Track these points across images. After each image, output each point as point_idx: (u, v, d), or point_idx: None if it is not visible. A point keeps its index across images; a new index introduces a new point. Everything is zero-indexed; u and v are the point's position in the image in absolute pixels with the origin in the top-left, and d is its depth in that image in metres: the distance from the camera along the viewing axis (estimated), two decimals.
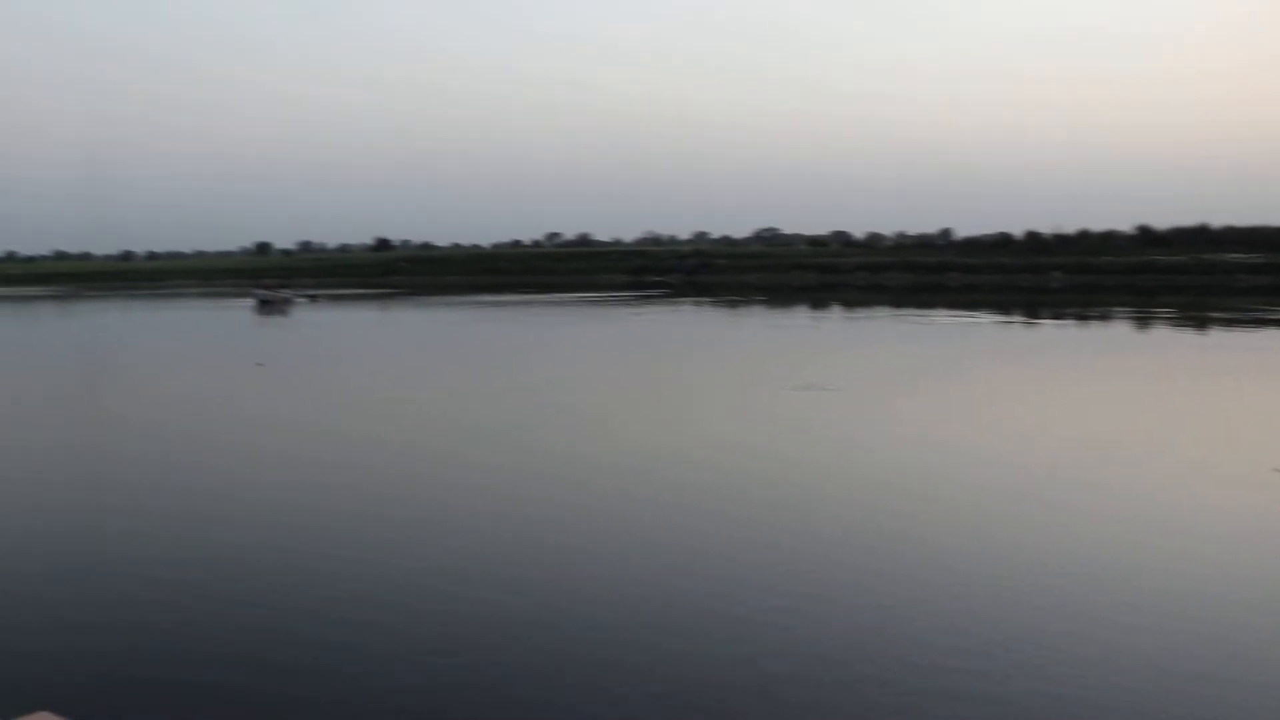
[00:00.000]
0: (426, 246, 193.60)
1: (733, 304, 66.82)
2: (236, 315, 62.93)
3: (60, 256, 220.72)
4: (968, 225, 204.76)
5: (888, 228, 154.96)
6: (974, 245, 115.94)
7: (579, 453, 17.02)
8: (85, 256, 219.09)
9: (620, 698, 7.45)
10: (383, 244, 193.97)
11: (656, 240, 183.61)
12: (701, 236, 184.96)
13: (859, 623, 8.93)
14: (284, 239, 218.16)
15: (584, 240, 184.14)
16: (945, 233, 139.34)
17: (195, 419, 21.42)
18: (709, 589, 9.76)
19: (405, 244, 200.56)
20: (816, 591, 9.72)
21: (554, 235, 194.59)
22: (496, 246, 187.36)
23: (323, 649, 8.40)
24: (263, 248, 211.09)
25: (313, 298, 78.57)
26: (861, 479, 14.84)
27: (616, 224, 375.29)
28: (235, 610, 9.35)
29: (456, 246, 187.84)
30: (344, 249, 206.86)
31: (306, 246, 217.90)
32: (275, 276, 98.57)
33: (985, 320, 48.63)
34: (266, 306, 71.08)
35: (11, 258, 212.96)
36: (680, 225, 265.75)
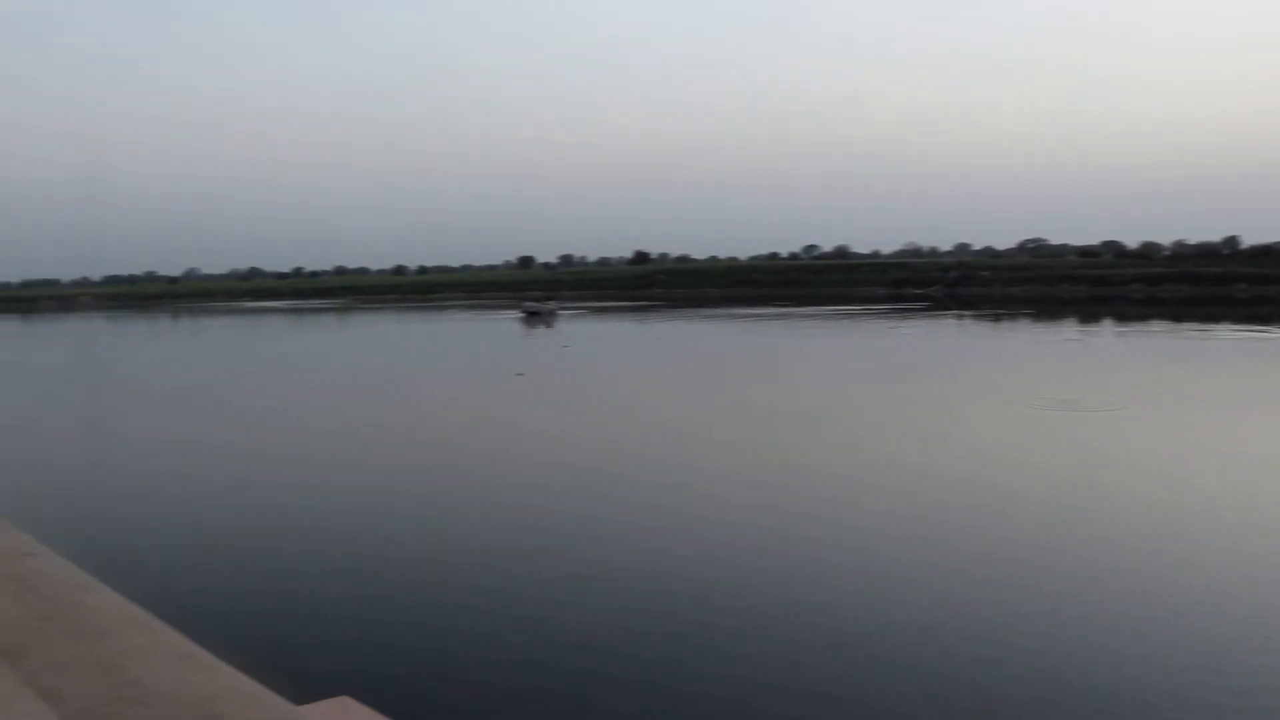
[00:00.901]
0: (684, 259, 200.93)
1: (996, 318, 63.50)
2: (503, 326, 65.61)
3: (340, 272, 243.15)
4: (1258, 232, 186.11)
5: (1165, 236, 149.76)
6: (1266, 254, 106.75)
7: (839, 469, 16.42)
8: (362, 271, 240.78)
9: None
10: (641, 257, 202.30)
11: (917, 252, 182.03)
12: (963, 248, 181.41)
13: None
14: (546, 253, 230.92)
15: (841, 252, 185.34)
16: (1231, 240, 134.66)
17: (460, 425, 22.37)
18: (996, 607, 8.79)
19: (663, 257, 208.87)
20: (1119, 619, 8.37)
21: (811, 248, 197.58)
22: (753, 259, 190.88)
23: (620, 648, 8.48)
24: (525, 261, 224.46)
25: (547, 311, 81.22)
26: (1135, 508, 13.20)
27: (875, 235, 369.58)
28: (525, 608, 9.55)
29: (714, 259, 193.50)
30: (603, 262, 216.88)
31: (567, 260, 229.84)
32: (538, 289, 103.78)
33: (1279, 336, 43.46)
34: (534, 318, 74.01)
35: (298, 273, 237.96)
36: (941, 236, 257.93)
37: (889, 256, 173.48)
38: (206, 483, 15.85)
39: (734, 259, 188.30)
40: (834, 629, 8.82)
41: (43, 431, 22.33)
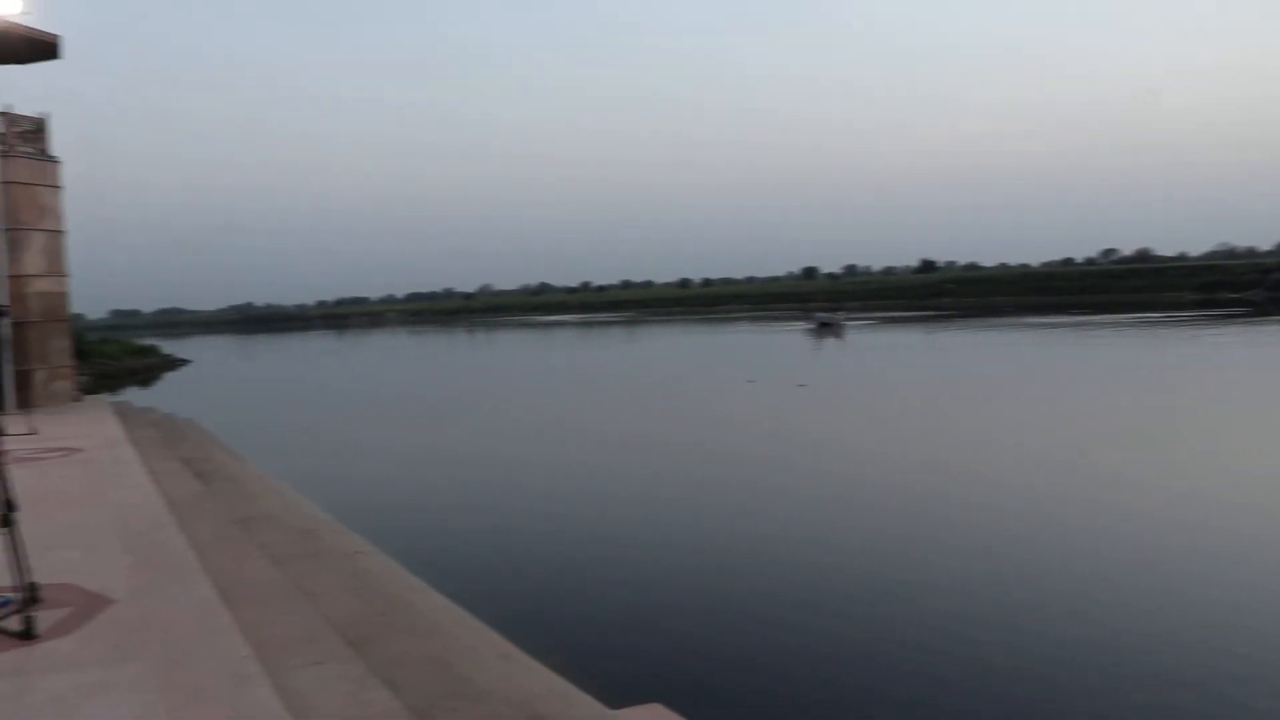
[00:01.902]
0: (973, 267, 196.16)
1: None
2: (789, 338, 65.47)
3: (626, 285, 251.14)
4: None
5: None
6: None
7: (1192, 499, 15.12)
8: (647, 285, 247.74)
9: None
10: (927, 265, 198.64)
11: (1231, 252, 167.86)
12: None
13: None
14: (830, 263, 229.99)
15: (1143, 256, 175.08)
16: None
17: (746, 436, 22.45)
18: None
19: (950, 265, 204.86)
20: None
21: (1109, 251, 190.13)
22: (1046, 265, 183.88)
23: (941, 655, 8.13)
24: (809, 272, 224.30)
25: (831, 323, 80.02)
26: None
27: (1181, 236, 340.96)
28: (836, 622, 9.40)
29: (1004, 266, 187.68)
30: (888, 271, 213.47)
31: (851, 270, 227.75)
32: (822, 300, 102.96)
33: None
34: (824, 329, 73.50)
35: (586, 287, 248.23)
36: (1260, 234, 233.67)
37: (1198, 258, 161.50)
38: (512, 490, 16.69)
39: (1025, 266, 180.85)
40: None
41: (354, 441, 24.16)
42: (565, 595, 10.58)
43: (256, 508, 11.08)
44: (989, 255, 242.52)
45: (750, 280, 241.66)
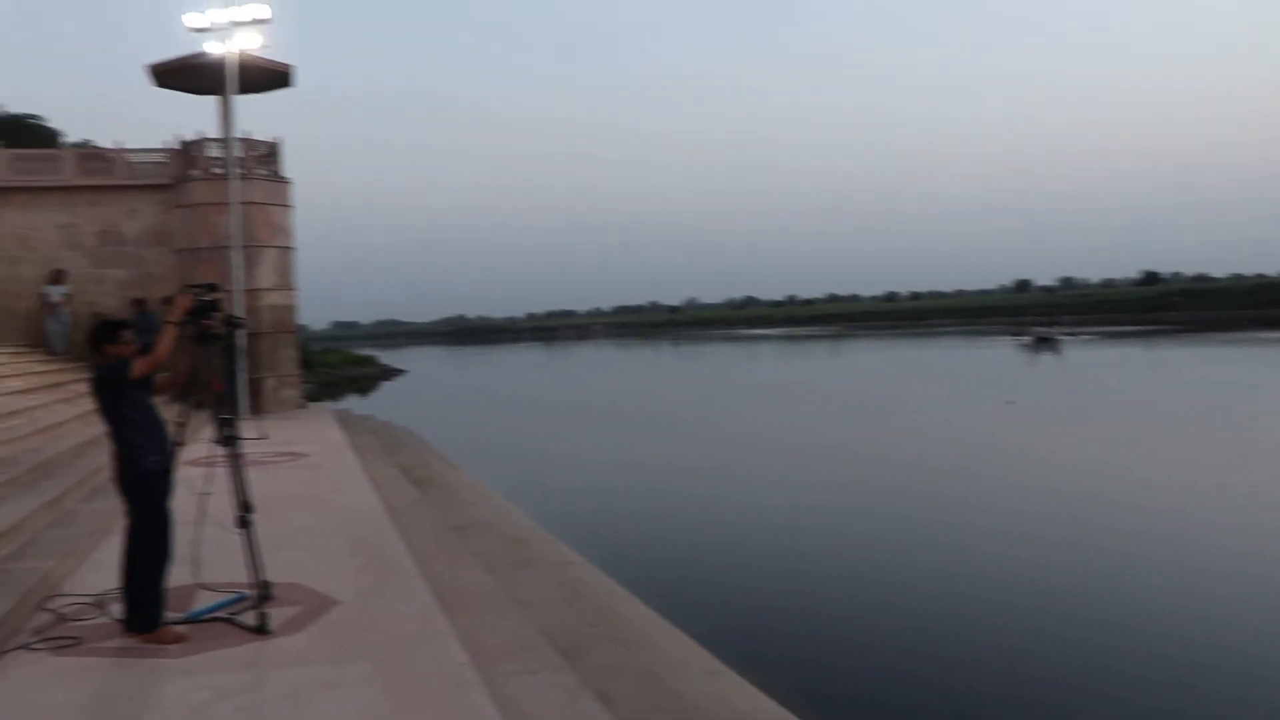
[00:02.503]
0: (1201, 278, 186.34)
1: None
2: (999, 353, 63.30)
3: (832, 299, 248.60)
4: None
5: None
6: None
7: None
8: (853, 298, 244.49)
9: None
10: (1150, 277, 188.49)
11: None
12: None
13: None
14: (1044, 275, 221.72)
15: None
16: None
17: (955, 452, 21.74)
18: None
19: (1176, 276, 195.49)
20: None
21: None
22: None
23: None
24: (1022, 285, 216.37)
25: (1048, 338, 76.57)
26: None
27: None
28: (1064, 648, 8.90)
29: (1237, 277, 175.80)
30: (1107, 284, 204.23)
31: (1067, 283, 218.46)
32: (1035, 314, 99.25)
33: None
34: (1040, 344, 70.87)
35: (791, 301, 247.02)
36: None
37: None
38: (724, 504, 16.67)
39: (1262, 276, 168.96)
40: None
41: (562, 451, 24.66)
42: (774, 613, 10.46)
43: (470, 515, 11.45)
44: (1220, 265, 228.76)
45: (960, 294, 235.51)
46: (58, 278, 21.23)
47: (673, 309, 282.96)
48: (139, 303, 21.09)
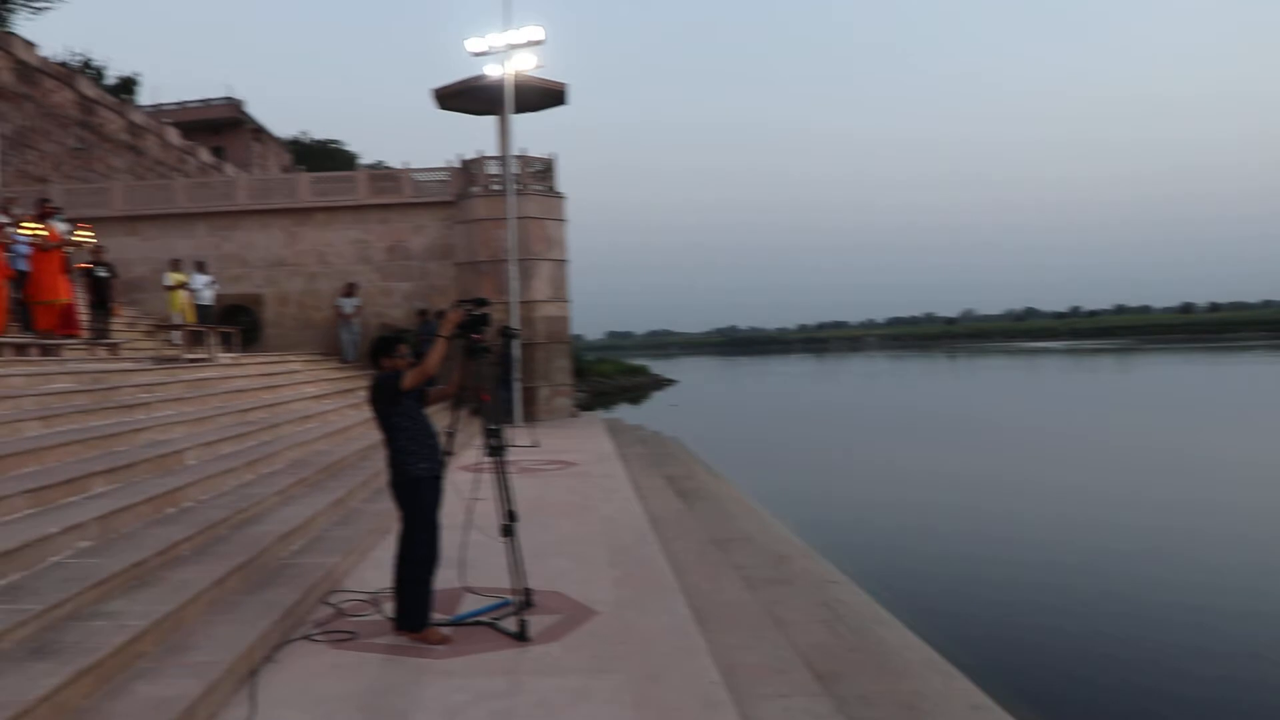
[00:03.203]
0: None
1: None
2: None
3: (1120, 310, 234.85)
4: None
5: None
6: None
7: None
8: (1144, 310, 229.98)
9: None
10: None
11: None
12: None
13: None
14: None
15: None
16: None
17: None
18: None
19: None
20: None
21: None
22: None
23: None
24: None
25: None
26: None
27: None
28: None
29: None
30: None
31: None
32: None
33: None
34: None
35: (1075, 312, 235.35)
36: None
37: None
38: (999, 523, 15.92)
39: None
40: None
41: (832, 465, 24.26)
42: (1054, 649, 9.83)
43: (733, 529, 11.39)
44: None
45: (1267, 304, 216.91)
46: (350, 290, 22.84)
47: (949, 320, 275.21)
48: (422, 313, 22.43)
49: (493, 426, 6.37)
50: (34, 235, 14.22)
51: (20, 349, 13.06)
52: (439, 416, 6.43)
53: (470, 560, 6.90)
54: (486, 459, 6.39)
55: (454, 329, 6.14)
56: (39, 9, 40.77)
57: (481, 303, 6.28)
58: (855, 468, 23.47)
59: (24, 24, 39.66)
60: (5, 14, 38.07)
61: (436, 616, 6.28)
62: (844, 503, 18.36)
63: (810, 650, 6.46)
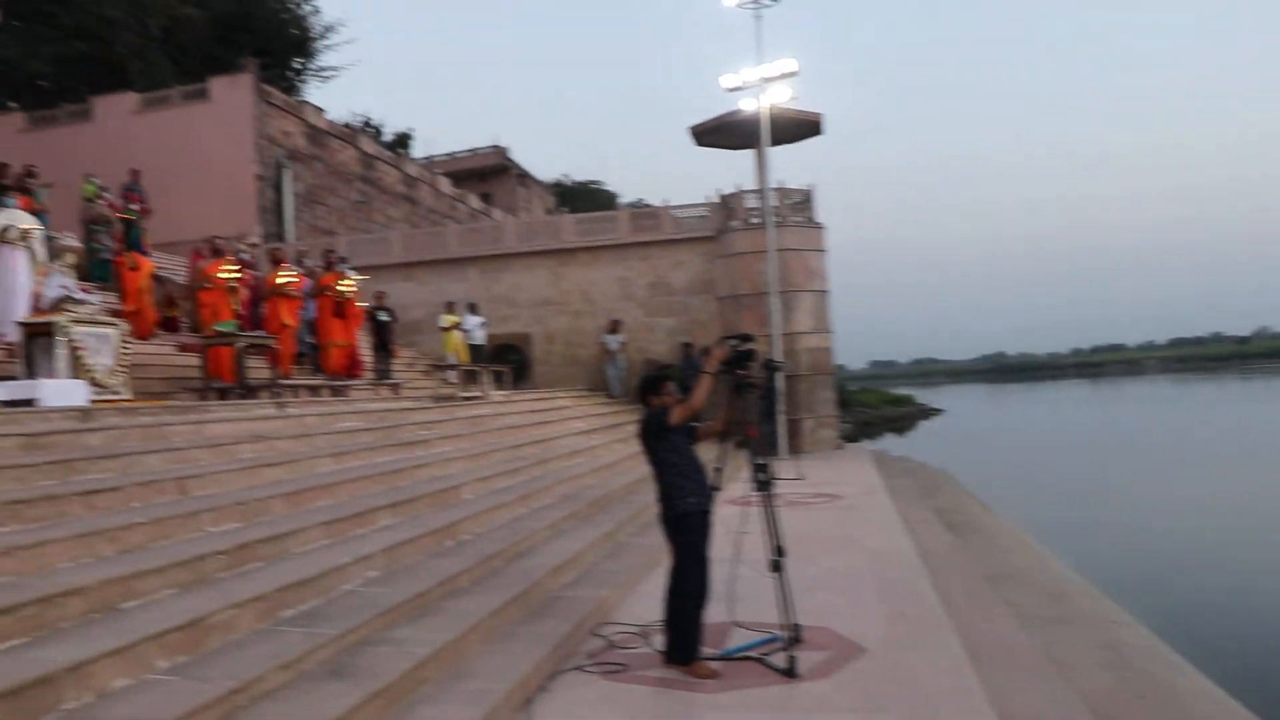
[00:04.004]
0: None
1: None
2: None
3: None
4: None
5: None
6: None
7: None
8: None
9: None
10: None
11: None
12: None
13: None
14: None
15: None
16: None
17: None
18: None
19: None
20: None
21: None
22: None
23: None
24: None
25: None
26: None
27: None
28: None
29: None
30: None
31: None
32: None
33: None
34: None
35: None
36: None
37: None
38: None
39: None
40: None
41: (1114, 499, 22.93)
42: None
43: (1007, 564, 10.94)
44: None
45: None
46: (614, 327, 23.49)
47: (1240, 339, 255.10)
48: (687, 346, 22.86)
49: (760, 461, 6.39)
50: (322, 283, 15.43)
51: (313, 390, 14.13)
52: (706, 451, 6.51)
53: (738, 595, 6.92)
54: (754, 493, 6.42)
55: (720, 365, 6.22)
56: (326, 78, 44.36)
57: (747, 338, 6.34)
58: (1137, 500, 22.08)
59: (313, 91, 43.27)
60: (298, 84, 41.59)
61: (706, 650, 6.34)
62: (1127, 537, 17.31)
63: (1094, 696, 6.10)
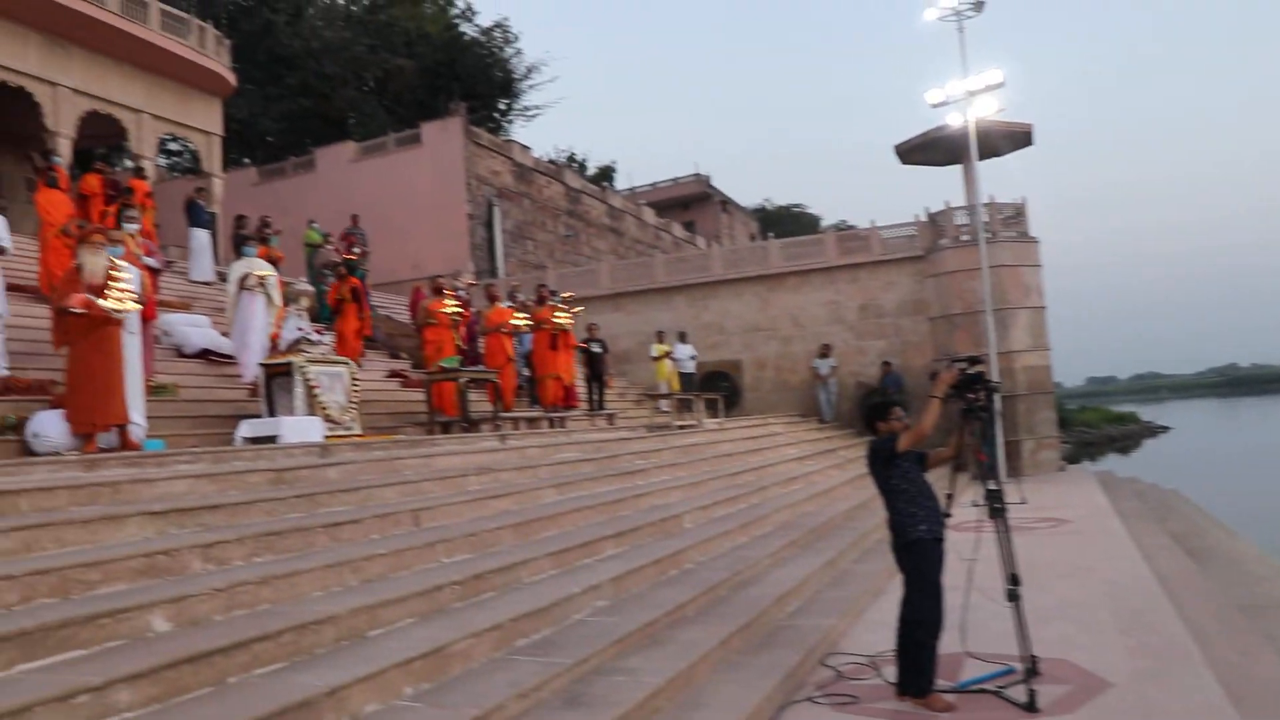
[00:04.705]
0: None
1: None
2: None
3: None
4: None
5: None
6: None
7: None
8: None
9: None
10: None
11: None
12: None
13: None
14: None
15: None
16: None
17: None
18: None
19: None
20: None
21: None
22: None
23: None
24: None
25: None
26: None
27: None
28: None
29: None
30: None
31: None
32: None
33: None
34: None
35: None
36: None
37: None
38: None
39: None
40: None
41: None
42: None
43: (1261, 593, 10.26)
44: None
45: None
46: (825, 351, 23.31)
47: None
48: (886, 365, 22.60)
49: (993, 487, 6.22)
50: (536, 318, 15.88)
51: (532, 422, 14.54)
52: (937, 477, 6.38)
53: (970, 624, 6.73)
54: (984, 519, 6.25)
55: (948, 389, 6.09)
56: (530, 116, 45.89)
57: (975, 360, 6.19)
58: None
59: (519, 130, 44.82)
60: (504, 125, 43.14)
61: (940, 683, 6.19)
62: None
63: None
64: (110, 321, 8.80)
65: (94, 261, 8.82)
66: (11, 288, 11.47)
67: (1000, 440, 20.88)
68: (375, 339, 18.17)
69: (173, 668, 4.53)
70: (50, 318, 9.25)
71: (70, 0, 21.15)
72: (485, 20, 45.06)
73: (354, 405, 11.63)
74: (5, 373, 10.00)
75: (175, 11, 24.59)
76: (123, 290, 8.85)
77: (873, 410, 6.50)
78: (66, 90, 22.12)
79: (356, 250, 19.51)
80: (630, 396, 21.78)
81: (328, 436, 10.57)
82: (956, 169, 24.13)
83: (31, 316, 12.15)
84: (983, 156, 22.53)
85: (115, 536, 6.08)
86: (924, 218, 23.70)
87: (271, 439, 10.07)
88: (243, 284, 12.58)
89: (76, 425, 8.63)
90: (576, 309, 16.90)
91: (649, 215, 43.36)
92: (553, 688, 5.52)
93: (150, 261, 10.64)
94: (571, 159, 52.06)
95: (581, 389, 17.62)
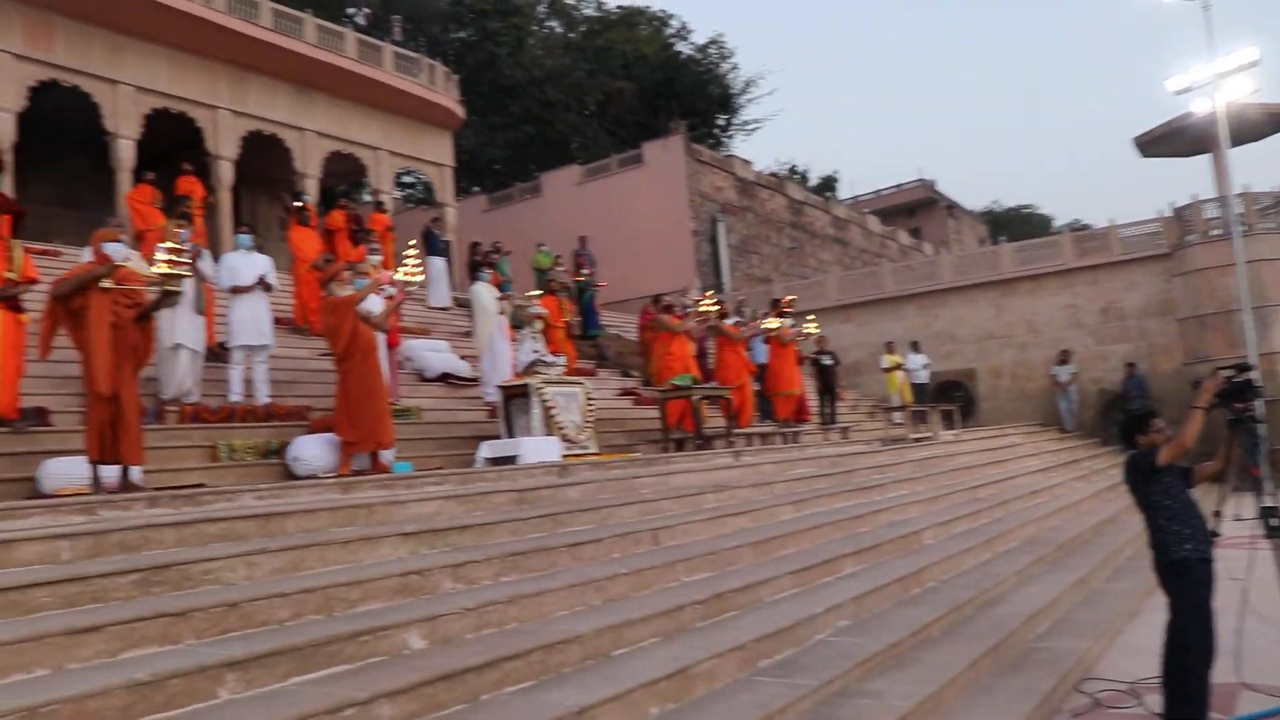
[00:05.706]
0: None
1: None
2: None
3: None
4: None
5: None
6: None
7: None
8: None
9: None
10: None
11: None
12: None
13: None
14: None
15: None
16: None
17: None
18: None
19: None
20: None
21: None
22: None
23: None
24: None
25: None
26: None
27: None
28: None
29: None
30: None
31: None
32: None
33: None
34: None
35: None
36: None
37: None
38: None
39: None
40: None
41: None
42: None
43: None
44: None
45: None
46: (1064, 358, 22.24)
47: None
48: (1130, 366, 21.40)
49: (1268, 505, 5.72)
50: (771, 331, 15.78)
51: (764, 438, 14.45)
52: (1203, 493, 5.94)
53: (1246, 651, 6.22)
54: (1261, 538, 5.76)
55: (1213, 399, 5.65)
56: (750, 130, 45.94)
57: (1244, 368, 5.73)
58: None
59: (739, 145, 44.92)
60: (724, 140, 43.34)
61: (1213, 716, 5.73)
62: None
63: None
64: (372, 349, 9.36)
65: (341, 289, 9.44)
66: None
67: (1263, 450, 19.39)
68: (606, 358, 18.49)
69: (429, 684, 4.67)
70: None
71: (315, 51, 22.55)
72: (700, 38, 45.33)
73: (589, 424, 11.85)
74: (268, 400, 10.70)
75: (407, 52, 25.81)
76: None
77: (1131, 421, 6.07)
78: (312, 134, 23.54)
79: (585, 271, 19.97)
80: (862, 409, 21.40)
81: (565, 456, 10.80)
82: (1200, 160, 22.65)
83: (289, 348, 12.94)
84: (1235, 143, 21.05)
85: (372, 556, 6.37)
86: (1168, 213, 22.31)
87: (511, 459, 10.36)
88: (511, 313, 13.11)
89: (362, 444, 9.22)
90: (810, 319, 16.65)
91: (874, 224, 42.58)
92: (798, 710, 5.41)
93: (389, 290, 11.14)
94: (793, 171, 51.82)
95: (813, 403, 17.42)
